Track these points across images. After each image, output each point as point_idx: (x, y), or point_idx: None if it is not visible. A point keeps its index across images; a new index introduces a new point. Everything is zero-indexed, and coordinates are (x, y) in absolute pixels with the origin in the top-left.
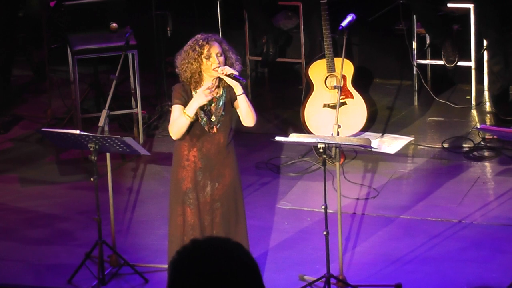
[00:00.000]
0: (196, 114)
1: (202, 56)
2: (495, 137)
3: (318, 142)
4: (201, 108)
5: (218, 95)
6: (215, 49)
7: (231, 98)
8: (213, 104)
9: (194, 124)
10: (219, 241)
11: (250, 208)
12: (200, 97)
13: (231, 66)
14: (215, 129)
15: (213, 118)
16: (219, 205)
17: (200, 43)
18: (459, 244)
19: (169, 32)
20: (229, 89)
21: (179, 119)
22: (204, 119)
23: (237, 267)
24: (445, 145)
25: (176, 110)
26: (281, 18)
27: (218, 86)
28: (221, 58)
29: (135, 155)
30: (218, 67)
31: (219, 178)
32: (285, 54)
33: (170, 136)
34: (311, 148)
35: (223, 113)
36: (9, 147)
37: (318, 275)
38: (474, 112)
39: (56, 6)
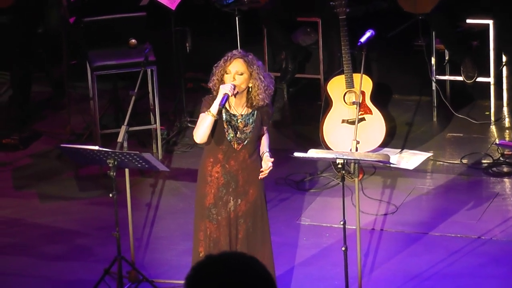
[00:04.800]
0: (224, 129)
1: (224, 70)
2: None
3: (337, 158)
4: (229, 123)
5: (244, 112)
6: (236, 66)
7: (262, 121)
8: (240, 121)
9: (220, 140)
10: (234, 256)
11: (269, 224)
12: (220, 92)
13: (258, 88)
14: (240, 146)
15: (239, 135)
16: (242, 222)
17: (226, 58)
18: (478, 260)
19: (188, 48)
20: (260, 111)
21: (203, 119)
22: (231, 134)
23: (252, 281)
24: (464, 161)
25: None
26: (300, 34)
27: (247, 105)
28: (241, 77)
29: (154, 171)
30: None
31: (243, 195)
32: (304, 70)
33: (195, 141)
34: (330, 164)
35: (252, 131)
36: (28, 163)
37: None
38: (493, 128)
39: (76, 23)
